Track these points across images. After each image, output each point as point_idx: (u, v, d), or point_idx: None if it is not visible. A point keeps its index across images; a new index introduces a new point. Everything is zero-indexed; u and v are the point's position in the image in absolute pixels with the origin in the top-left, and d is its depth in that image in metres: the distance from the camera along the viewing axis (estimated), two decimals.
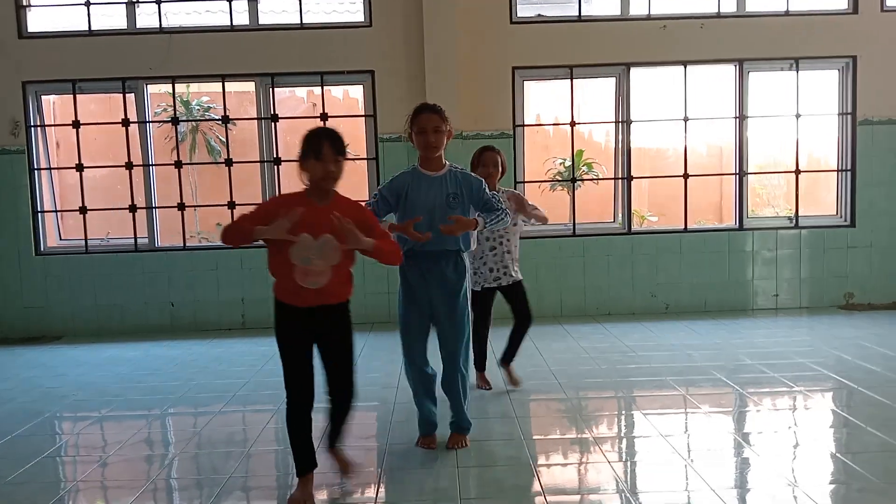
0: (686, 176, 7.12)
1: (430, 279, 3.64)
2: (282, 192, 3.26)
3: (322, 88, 6.99)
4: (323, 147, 3.00)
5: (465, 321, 3.71)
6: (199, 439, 4.02)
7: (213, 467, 3.59)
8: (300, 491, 3.13)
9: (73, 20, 6.93)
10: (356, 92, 8.07)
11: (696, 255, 7.09)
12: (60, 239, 7.23)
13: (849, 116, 7.08)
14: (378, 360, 5.53)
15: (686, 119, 7.02)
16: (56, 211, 7.20)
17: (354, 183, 7.37)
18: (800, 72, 7.02)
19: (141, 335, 6.79)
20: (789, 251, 7.14)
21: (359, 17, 6.99)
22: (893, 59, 6.97)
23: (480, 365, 4.77)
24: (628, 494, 3.14)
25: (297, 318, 3.06)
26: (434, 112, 3.59)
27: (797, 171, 7.15)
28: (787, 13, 6.98)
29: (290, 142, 8.01)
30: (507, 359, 4.73)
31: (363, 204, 3.40)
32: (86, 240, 7.05)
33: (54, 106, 7.36)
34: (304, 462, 3.15)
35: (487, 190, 3.70)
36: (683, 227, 7.17)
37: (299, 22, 6.90)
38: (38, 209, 6.99)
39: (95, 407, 4.71)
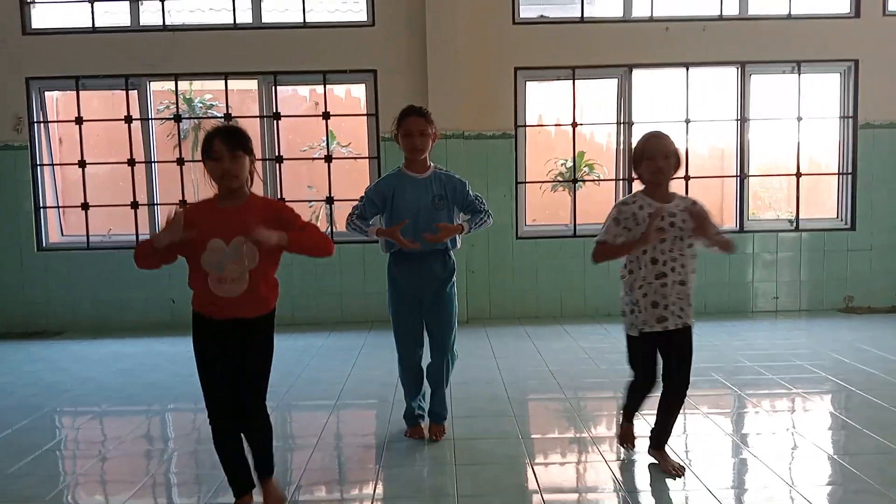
0: (687, 178, 7.10)
1: (418, 278, 3.71)
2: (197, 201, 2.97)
3: (325, 87, 7.01)
4: (214, 144, 2.72)
5: (454, 311, 3.80)
6: (199, 435, 4.03)
7: (213, 463, 3.57)
8: None
9: (77, 17, 6.96)
10: (358, 91, 8.08)
11: (697, 256, 7.07)
12: (62, 235, 7.25)
13: (850, 120, 7.08)
14: (377, 358, 5.54)
15: (688, 121, 7.03)
16: (58, 207, 7.21)
17: (355, 181, 7.40)
18: (802, 75, 7.03)
19: (142, 331, 6.80)
20: (789, 254, 7.15)
21: (362, 16, 7.00)
22: (895, 63, 6.97)
23: (656, 442, 3.47)
24: (625, 494, 3.15)
25: (215, 333, 2.80)
26: (420, 116, 3.65)
27: (798, 174, 7.16)
28: (789, 16, 6.99)
29: (292, 140, 8.03)
30: (656, 443, 3.47)
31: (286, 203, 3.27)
32: (87, 236, 7.07)
33: (57, 102, 7.38)
34: (238, 484, 2.93)
35: (471, 191, 3.76)
36: None
37: (302, 20, 6.92)
38: (41, 205, 7.01)
39: (95, 402, 4.73)
